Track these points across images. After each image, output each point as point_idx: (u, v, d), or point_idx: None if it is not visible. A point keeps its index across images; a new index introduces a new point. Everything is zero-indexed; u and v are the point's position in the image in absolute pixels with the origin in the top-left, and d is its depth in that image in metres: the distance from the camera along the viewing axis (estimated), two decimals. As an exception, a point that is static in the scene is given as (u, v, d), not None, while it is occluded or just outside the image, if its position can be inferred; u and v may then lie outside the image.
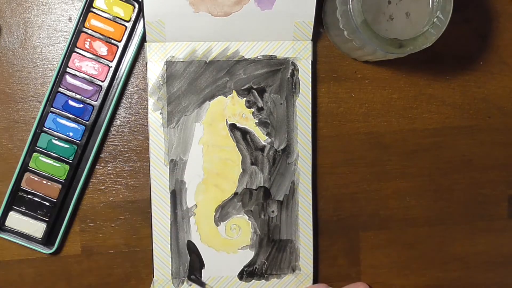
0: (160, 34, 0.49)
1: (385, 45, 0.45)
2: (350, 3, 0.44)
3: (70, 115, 0.50)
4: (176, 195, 0.51)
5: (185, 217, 0.51)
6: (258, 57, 0.51)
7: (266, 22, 0.50)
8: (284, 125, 0.51)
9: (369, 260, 0.54)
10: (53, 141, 0.50)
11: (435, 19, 0.45)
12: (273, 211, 0.52)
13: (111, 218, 0.52)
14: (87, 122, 0.50)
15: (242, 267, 0.52)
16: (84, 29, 0.50)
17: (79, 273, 0.52)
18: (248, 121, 0.51)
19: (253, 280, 0.52)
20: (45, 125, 0.50)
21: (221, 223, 0.51)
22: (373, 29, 0.44)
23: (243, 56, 0.51)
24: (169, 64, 0.50)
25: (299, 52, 0.51)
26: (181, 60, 0.50)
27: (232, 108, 0.51)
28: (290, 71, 0.51)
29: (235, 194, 0.51)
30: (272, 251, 0.52)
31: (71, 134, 0.50)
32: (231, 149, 0.51)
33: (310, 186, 0.52)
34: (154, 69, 0.50)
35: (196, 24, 0.50)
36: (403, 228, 0.54)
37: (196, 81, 0.51)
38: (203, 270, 0.51)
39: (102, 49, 0.50)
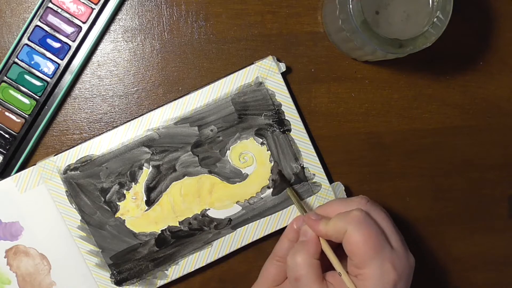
0: None
1: (385, 45, 0.45)
2: (350, 3, 0.44)
3: (46, 52, 0.50)
4: None
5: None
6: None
7: None
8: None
9: (369, 260, 0.54)
10: (24, 75, 0.49)
11: (435, 19, 0.45)
12: None
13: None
14: (61, 61, 0.50)
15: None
16: None
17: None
18: None
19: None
20: (18, 56, 0.50)
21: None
22: (373, 29, 0.44)
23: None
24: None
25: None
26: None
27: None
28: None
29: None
30: None
31: (44, 70, 0.50)
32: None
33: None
34: None
35: None
36: (403, 228, 0.54)
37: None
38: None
39: None
